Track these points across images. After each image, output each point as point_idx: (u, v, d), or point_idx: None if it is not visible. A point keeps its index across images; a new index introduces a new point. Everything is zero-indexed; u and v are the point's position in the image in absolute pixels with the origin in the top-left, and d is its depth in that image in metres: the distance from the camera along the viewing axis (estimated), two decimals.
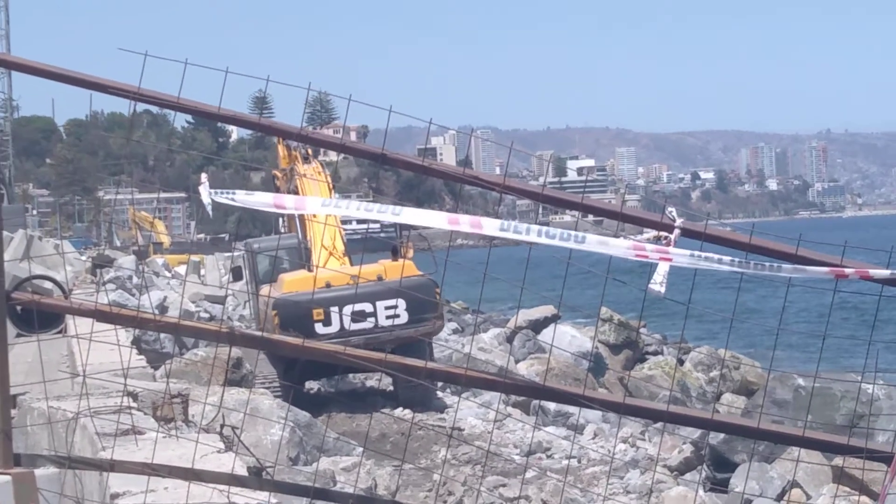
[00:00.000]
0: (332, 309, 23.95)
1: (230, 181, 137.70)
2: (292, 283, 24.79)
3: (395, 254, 26.08)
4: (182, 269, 64.69)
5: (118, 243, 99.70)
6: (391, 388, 26.68)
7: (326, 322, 23.78)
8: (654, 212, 6.28)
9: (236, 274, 30.23)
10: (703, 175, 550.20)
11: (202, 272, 62.02)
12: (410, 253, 27.20)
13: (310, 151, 30.70)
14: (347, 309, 23.99)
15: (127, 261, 57.42)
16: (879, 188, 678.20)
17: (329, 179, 29.38)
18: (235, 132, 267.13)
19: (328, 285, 24.03)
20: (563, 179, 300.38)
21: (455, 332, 43.43)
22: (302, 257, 26.99)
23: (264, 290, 26.20)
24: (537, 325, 34.15)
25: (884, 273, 6.01)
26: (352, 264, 26.28)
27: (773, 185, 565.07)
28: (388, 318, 24.20)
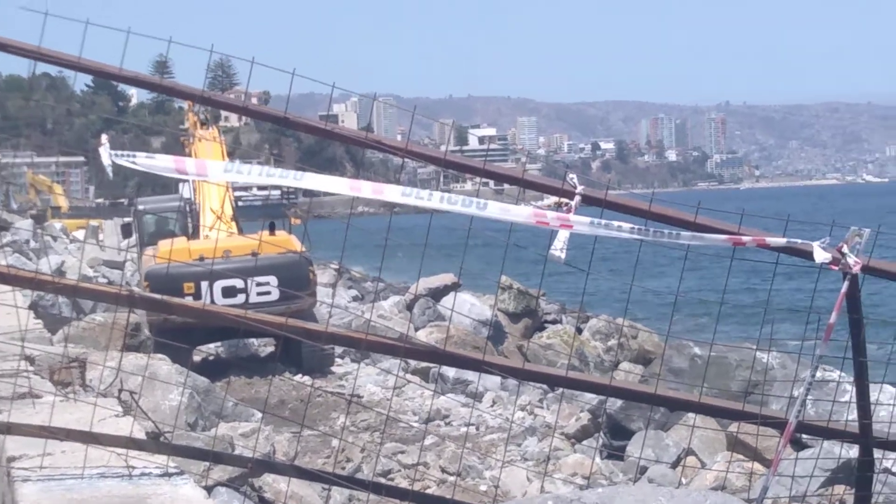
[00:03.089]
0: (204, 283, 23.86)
1: (130, 145, 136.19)
2: (166, 252, 24.52)
3: (272, 228, 26.07)
4: (80, 234, 64.07)
5: (15, 207, 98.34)
6: (273, 347, 26.77)
7: (197, 296, 23.56)
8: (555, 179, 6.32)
9: (125, 231, 30.08)
10: (603, 145, 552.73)
11: (101, 237, 61.41)
12: (297, 221, 27.18)
13: (208, 116, 30.60)
14: (218, 284, 23.93)
15: (24, 225, 56.75)
16: (777, 160, 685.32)
17: (224, 146, 29.27)
18: (136, 96, 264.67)
19: (201, 258, 23.87)
20: (465, 148, 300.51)
21: (355, 299, 43.40)
22: (187, 219, 26.83)
23: (148, 251, 26.08)
24: (437, 294, 34.16)
25: (780, 241, 6.10)
26: (240, 229, 26.17)
27: (672, 156, 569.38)
28: (259, 294, 24.15)
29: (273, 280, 23.99)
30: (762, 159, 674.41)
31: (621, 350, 30.49)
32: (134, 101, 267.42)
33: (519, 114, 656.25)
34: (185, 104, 35.08)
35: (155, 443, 6.62)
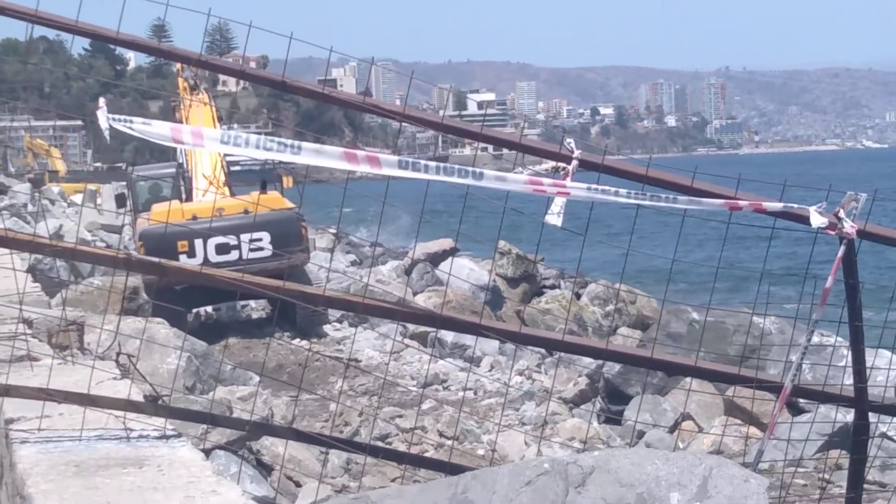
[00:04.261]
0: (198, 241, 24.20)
1: (128, 109, 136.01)
2: (160, 213, 24.78)
3: (264, 187, 26.47)
4: (78, 198, 64.01)
5: (13, 170, 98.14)
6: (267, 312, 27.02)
7: (191, 254, 23.97)
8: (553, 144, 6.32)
9: (120, 201, 30.30)
10: (602, 111, 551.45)
11: (98, 201, 61.34)
12: (290, 183, 27.41)
13: (198, 81, 30.75)
14: (212, 242, 24.17)
15: (22, 188, 56.68)
16: (776, 126, 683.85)
17: (215, 110, 29.38)
18: (133, 60, 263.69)
19: (194, 217, 24.10)
20: (464, 113, 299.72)
21: (353, 264, 43.43)
22: (182, 185, 27.03)
23: (143, 216, 26.37)
24: (435, 259, 34.14)
25: (777, 206, 6.11)
26: (232, 195, 26.39)
27: (671, 121, 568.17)
28: (252, 250, 24.61)
29: (266, 236, 24.33)
30: (762, 125, 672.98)
31: (619, 315, 30.49)
32: (132, 65, 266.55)
33: (518, 79, 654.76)
34: (176, 68, 35.11)
35: (153, 405, 6.64)
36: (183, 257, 23.72)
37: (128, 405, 6.50)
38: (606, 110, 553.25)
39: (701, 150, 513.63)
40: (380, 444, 15.80)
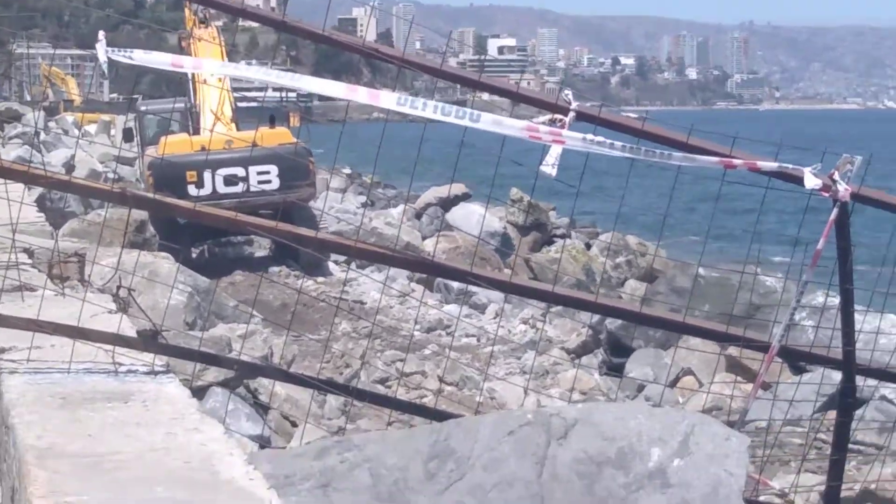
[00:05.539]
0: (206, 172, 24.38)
1: (146, 41, 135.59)
2: (169, 144, 25.00)
3: (272, 122, 26.85)
4: (92, 129, 63.93)
5: (29, 98, 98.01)
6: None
7: (199, 184, 24.18)
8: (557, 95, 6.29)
9: (127, 135, 30.50)
10: (623, 60, 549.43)
11: (112, 132, 61.24)
12: (296, 121, 27.56)
13: (207, 15, 30.73)
14: (220, 173, 24.46)
15: (36, 117, 56.59)
16: (798, 82, 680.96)
17: (223, 46, 29.43)
18: None
19: (203, 149, 24.26)
20: (485, 58, 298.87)
21: (364, 205, 43.43)
22: (189, 121, 27.15)
23: (150, 151, 26.54)
24: (447, 203, 34.11)
25: (772, 165, 6.07)
26: (239, 131, 26.57)
27: (692, 74, 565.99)
28: (260, 182, 24.73)
29: (273, 169, 24.51)
30: (783, 81, 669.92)
31: (629, 267, 30.49)
32: None
33: (539, 25, 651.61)
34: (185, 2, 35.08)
35: (141, 341, 6.64)
36: (191, 188, 23.98)
37: (117, 339, 6.49)
38: (627, 60, 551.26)
39: (721, 105, 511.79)
40: (380, 387, 15.86)
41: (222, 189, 24.25)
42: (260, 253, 29.02)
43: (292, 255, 25.37)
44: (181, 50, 30.93)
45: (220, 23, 31.31)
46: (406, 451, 5.51)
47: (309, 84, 6.13)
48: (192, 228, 22.89)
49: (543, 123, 5.95)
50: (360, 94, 6.09)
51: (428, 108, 5.98)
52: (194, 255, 26.65)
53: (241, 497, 4.59)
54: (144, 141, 28.97)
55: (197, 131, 26.77)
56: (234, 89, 28.14)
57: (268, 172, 24.83)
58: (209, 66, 6.47)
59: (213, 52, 27.84)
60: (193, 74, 19.63)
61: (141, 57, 6.31)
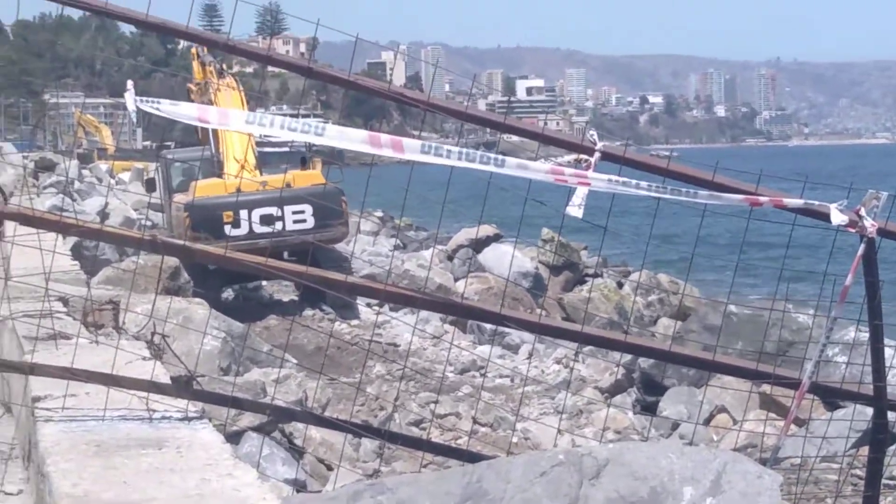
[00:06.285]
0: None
1: (178, 88, 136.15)
2: (204, 188, 25.39)
3: (304, 164, 27.49)
4: (126, 176, 64.22)
5: (63, 147, 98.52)
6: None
7: (236, 224, 24.46)
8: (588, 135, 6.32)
9: (149, 185, 30.95)
10: (651, 99, 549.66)
11: (145, 179, 61.45)
12: (319, 166, 27.89)
13: (224, 66, 31.20)
14: (256, 212, 24.59)
15: (70, 166, 56.87)
16: (826, 118, 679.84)
17: (243, 94, 29.78)
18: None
19: (238, 191, 24.61)
20: (512, 99, 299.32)
21: (396, 248, 43.45)
22: (214, 168, 27.47)
23: (177, 198, 26.87)
24: (478, 245, 34.15)
25: (797, 202, 6.08)
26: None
27: (720, 111, 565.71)
28: (294, 222, 25.03)
29: (308, 209, 24.82)
30: (811, 116, 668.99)
31: (661, 305, 30.41)
32: (182, 45, 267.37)
33: (567, 65, 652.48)
34: (192, 51, 35.44)
35: (175, 387, 6.69)
36: (228, 227, 24.34)
37: (151, 386, 6.54)
38: (655, 99, 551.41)
39: (750, 141, 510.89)
40: (414, 429, 15.87)
41: (259, 229, 24.50)
42: (286, 297, 29.11)
43: (321, 297, 25.54)
44: (190, 100, 31.24)
45: (233, 70, 31.73)
46: (438, 494, 5.51)
47: (331, 138, 6.16)
48: (222, 272, 23.14)
49: (569, 164, 5.99)
50: (383, 146, 6.12)
51: (453, 156, 6.02)
52: (224, 297, 26.84)
53: None
54: (171, 189, 29.29)
55: (221, 177, 27.05)
56: (262, 136, 28.40)
57: (303, 212, 25.06)
58: (235, 123, 6.50)
59: (234, 101, 28.17)
60: None
61: (168, 109, 6.37)
